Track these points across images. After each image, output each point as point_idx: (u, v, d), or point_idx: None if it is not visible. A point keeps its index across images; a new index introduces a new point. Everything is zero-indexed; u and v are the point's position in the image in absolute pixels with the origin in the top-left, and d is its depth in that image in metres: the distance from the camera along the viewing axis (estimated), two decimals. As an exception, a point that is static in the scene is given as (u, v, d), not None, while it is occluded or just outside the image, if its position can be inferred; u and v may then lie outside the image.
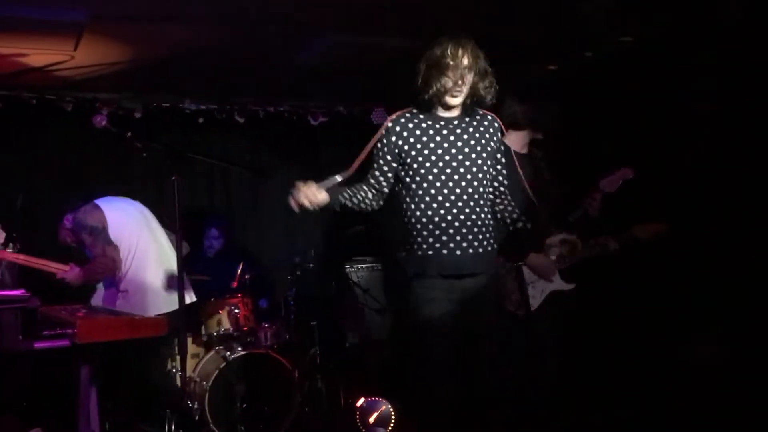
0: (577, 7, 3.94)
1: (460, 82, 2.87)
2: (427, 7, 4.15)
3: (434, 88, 2.89)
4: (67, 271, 4.08)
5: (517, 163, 3.73)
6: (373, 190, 3.09)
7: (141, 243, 4.14)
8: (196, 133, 6.08)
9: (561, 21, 4.27)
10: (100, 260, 3.99)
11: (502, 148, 3.18)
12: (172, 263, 4.18)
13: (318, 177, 7.14)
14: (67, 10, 3.98)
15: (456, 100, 2.94)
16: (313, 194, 3.03)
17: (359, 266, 5.93)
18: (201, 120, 6.06)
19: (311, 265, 5.53)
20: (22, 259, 4.04)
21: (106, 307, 4.05)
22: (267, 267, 5.73)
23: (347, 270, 5.84)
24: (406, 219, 3.01)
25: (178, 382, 4.24)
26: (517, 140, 3.86)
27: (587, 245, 3.78)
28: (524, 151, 3.88)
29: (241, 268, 5.30)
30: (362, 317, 5.79)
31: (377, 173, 3.06)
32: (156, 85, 5.64)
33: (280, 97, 6.20)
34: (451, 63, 2.85)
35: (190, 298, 4.34)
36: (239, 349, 4.69)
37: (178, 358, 4.26)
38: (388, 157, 3.01)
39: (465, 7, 4.18)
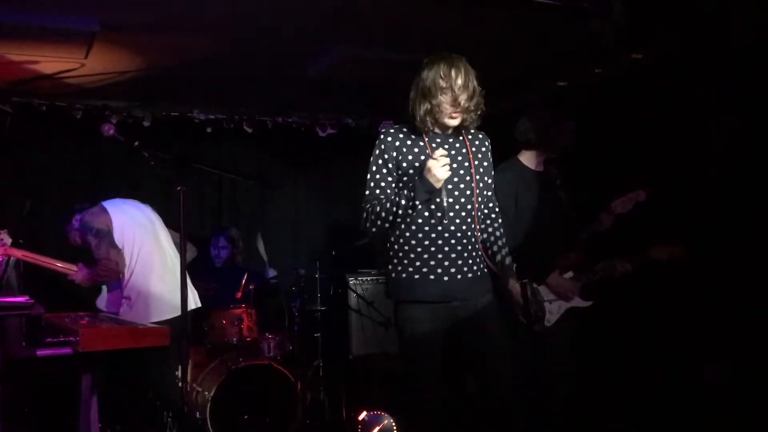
0: (587, 24, 3.93)
1: (455, 103, 2.83)
2: (438, 22, 4.16)
3: (428, 107, 2.83)
4: (76, 272, 4.12)
5: (533, 182, 3.74)
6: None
7: (145, 248, 4.13)
8: (205, 142, 6.10)
9: (571, 37, 4.27)
10: (104, 263, 3.99)
11: (492, 169, 3.15)
12: (176, 269, 4.19)
13: (326, 188, 7.20)
14: (79, 19, 4.00)
15: (453, 122, 2.89)
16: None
17: (364, 278, 5.92)
18: (209, 130, 6.08)
19: (316, 276, 5.52)
20: (30, 257, 4.07)
21: (109, 315, 4.04)
22: (272, 277, 5.71)
23: (352, 282, 5.82)
24: (393, 238, 2.95)
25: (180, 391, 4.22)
26: (531, 159, 3.88)
27: (598, 267, 3.77)
28: (539, 169, 3.89)
29: (245, 278, 5.29)
30: (366, 330, 5.77)
31: (391, 183, 2.93)
32: (165, 95, 5.66)
33: (289, 108, 6.22)
34: (444, 85, 2.82)
35: (195, 303, 4.32)
36: (242, 359, 4.68)
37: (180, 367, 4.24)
38: (390, 166, 2.94)
39: (475, 23, 4.18)
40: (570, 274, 3.78)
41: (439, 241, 2.87)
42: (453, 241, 2.89)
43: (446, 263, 2.88)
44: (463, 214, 2.91)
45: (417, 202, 2.81)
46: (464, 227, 2.91)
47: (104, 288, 4.38)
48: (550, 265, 3.75)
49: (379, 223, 2.89)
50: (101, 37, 4.23)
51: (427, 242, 2.87)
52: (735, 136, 4.22)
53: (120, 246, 4.05)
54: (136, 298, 4.06)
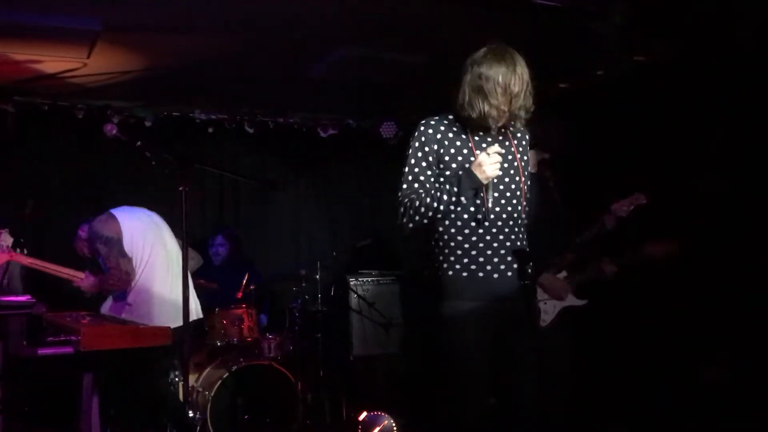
0: (590, 26, 3.94)
1: (506, 108, 2.71)
2: (439, 24, 4.16)
3: (479, 110, 2.71)
4: (83, 279, 4.04)
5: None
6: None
7: (152, 256, 4.08)
8: (206, 142, 6.10)
9: (573, 40, 4.27)
10: (114, 272, 3.95)
11: (529, 161, 3.05)
12: (180, 278, 4.15)
13: (327, 189, 7.20)
14: (82, 19, 4.01)
15: (498, 124, 2.76)
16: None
17: (365, 279, 5.92)
18: (211, 130, 6.09)
19: (317, 277, 5.53)
20: (38, 264, 4.01)
21: (111, 315, 4.05)
22: (273, 278, 5.72)
23: (353, 283, 5.83)
24: (437, 235, 2.79)
25: (181, 392, 4.22)
26: None
27: (589, 268, 3.78)
28: (533, 170, 3.88)
29: (246, 278, 5.30)
30: (367, 331, 5.77)
31: (430, 177, 2.80)
32: (167, 95, 5.67)
33: (290, 108, 6.22)
34: (505, 89, 2.69)
35: (197, 313, 4.25)
36: (242, 360, 4.68)
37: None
38: (430, 159, 2.81)
39: (477, 24, 4.18)
40: (563, 274, 3.79)
41: (487, 237, 2.74)
42: (501, 238, 2.75)
43: (496, 259, 2.75)
44: (510, 209, 2.79)
45: (462, 198, 2.71)
46: (511, 224, 2.78)
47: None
48: (544, 266, 3.75)
49: (417, 218, 2.74)
50: (103, 37, 4.24)
51: (474, 238, 2.74)
52: (735, 138, 4.22)
53: (129, 254, 4.02)
54: (139, 306, 4.00)
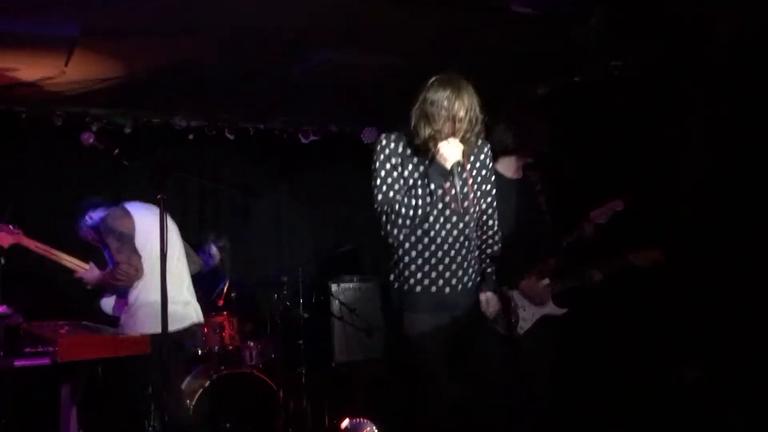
0: (567, 31, 3.97)
1: (449, 132, 2.86)
2: (419, 27, 4.18)
3: (430, 132, 2.86)
4: (87, 271, 3.98)
5: (510, 190, 3.75)
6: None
7: (159, 258, 4.02)
8: (186, 149, 6.07)
9: (551, 45, 4.30)
10: (123, 267, 3.83)
11: (492, 176, 3.18)
12: (183, 282, 4.11)
13: (308, 195, 7.17)
14: (60, 25, 3.98)
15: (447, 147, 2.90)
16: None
17: (347, 285, 5.91)
18: (191, 136, 6.05)
19: (299, 283, 5.51)
20: (42, 248, 3.94)
21: (90, 324, 4.00)
22: (254, 285, 5.70)
23: (334, 289, 5.82)
24: (394, 248, 3.00)
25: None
26: (508, 165, 3.88)
27: (570, 274, 3.79)
28: (518, 176, 3.89)
29: (227, 285, 5.27)
30: (349, 337, 5.77)
31: (403, 186, 2.94)
32: (146, 101, 5.63)
33: (271, 114, 6.21)
34: (447, 114, 2.84)
35: (197, 317, 4.15)
36: (223, 368, 4.65)
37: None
38: (398, 170, 2.95)
39: (456, 29, 4.21)
40: (546, 281, 3.79)
41: (439, 254, 2.97)
42: (452, 253, 2.99)
43: (447, 274, 2.99)
44: (461, 225, 3.00)
45: (435, 188, 2.88)
46: (462, 238, 3.01)
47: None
48: (528, 272, 3.76)
49: (400, 222, 2.91)
50: (81, 44, 4.21)
51: (427, 254, 2.97)
52: (713, 141, 4.27)
53: (140, 252, 3.94)
54: (138, 307, 3.91)
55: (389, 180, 2.94)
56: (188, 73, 4.90)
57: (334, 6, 3.85)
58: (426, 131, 2.86)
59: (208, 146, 6.18)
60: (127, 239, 3.89)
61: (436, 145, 2.87)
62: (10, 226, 3.90)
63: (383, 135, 3.00)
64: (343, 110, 6.16)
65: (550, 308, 3.78)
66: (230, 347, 4.85)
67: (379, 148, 2.98)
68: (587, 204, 3.82)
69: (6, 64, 4.51)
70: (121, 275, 3.83)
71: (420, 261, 2.97)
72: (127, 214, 3.98)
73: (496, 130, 3.86)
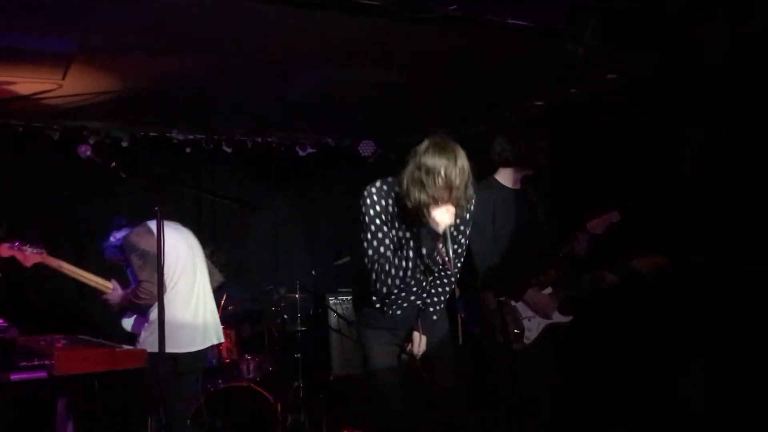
0: (562, 45, 3.99)
1: (446, 198, 2.84)
2: (415, 44, 4.20)
3: (422, 200, 2.83)
4: (111, 292, 3.98)
5: (509, 201, 3.78)
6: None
7: (182, 276, 4.00)
8: (184, 162, 6.08)
9: (547, 58, 4.33)
10: (146, 286, 3.81)
11: (470, 226, 3.20)
12: (206, 300, 4.09)
13: (305, 208, 7.18)
14: (57, 40, 4.00)
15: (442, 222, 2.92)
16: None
17: (344, 298, 5.91)
18: (188, 150, 6.07)
19: (296, 297, 5.50)
20: (67, 268, 3.92)
21: (86, 338, 3.98)
22: (251, 298, 5.68)
23: (332, 302, 5.81)
24: (362, 280, 3.10)
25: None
26: (507, 177, 3.91)
27: (584, 279, 3.80)
28: (516, 187, 3.92)
29: (224, 299, 5.26)
30: (347, 350, 5.75)
31: (393, 240, 3.01)
32: (144, 115, 5.65)
33: (268, 127, 6.23)
34: (441, 182, 2.81)
35: (218, 338, 4.10)
36: (221, 381, 4.64)
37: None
38: (387, 225, 2.98)
39: (452, 44, 4.23)
40: (549, 290, 3.80)
41: (400, 300, 3.16)
42: (412, 298, 3.18)
43: (404, 305, 3.19)
44: (429, 278, 3.14)
45: (425, 252, 2.98)
46: (426, 285, 3.16)
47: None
48: (528, 283, 3.77)
49: (389, 281, 2.99)
50: (78, 59, 4.22)
51: (392, 296, 3.12)
52: (707, 153, 4.28)
53: (165, 269, 3.91)
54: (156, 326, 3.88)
55: (379, 235, 2.95)
56: (185, 87, 4.91)
57: (331, 23, 3.87)
58: (420, 197, 2.82)
59: (206, 159, 6.20)
60: (150, 258, 3.83)
61: (428, 210, 2.85)
62: (31, 247, 3.90)
63: (370, 189, 2.98)
64: (340, 124, 6.18)
65: (556, 317, 3.79)
66: (228, 360, 4.83)
67: (368, 202, 2.95)
68: (584, 215, 3.83)
69: (3, 78, 4.52)
70: (143, 293, 3.82)
71: (385, 300, 3.14)
72: (150, 232, 3.93)
73: (496, 142, 3.90)
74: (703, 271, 4.18)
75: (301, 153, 6.45)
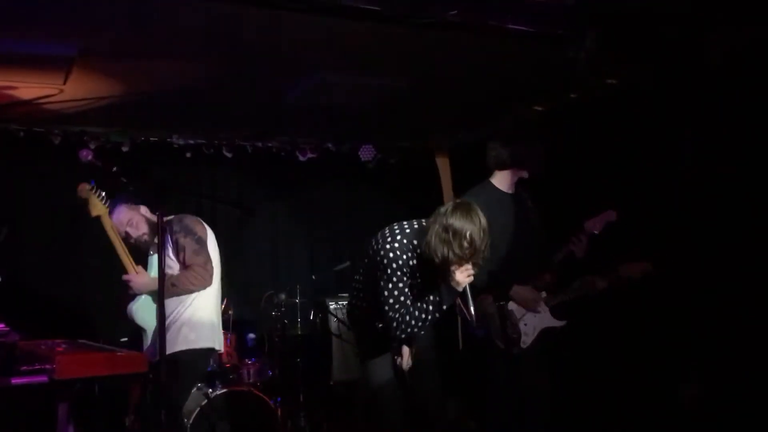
0: (562, 50, 4.00)
1: (468, 258, 3.02)
2: (415, 49, 4.21)
3: (450, 257, 3.00)
4: (137, 275, 3.79)
5: (504, 205, 3.78)
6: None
7: (218, 276, 3.98)
8: (184, 167, 6.09)
9: (546, 64, 4.34)
10: (200, 271, 3.73)
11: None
12: (216, 302, 4.06)
13: (306, 212, 7.18)
14: (58, 45, 4.00)
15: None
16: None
17: (344, 303, 5.89)
18: (189, 154, 6.07)
19: (297, 302, 5.51)
20: (111, 232, 3.77)
21: (87, 342, 3.98)
22: (251, 303, 5.69)
23: (333, 307, 5.81)
24: (373, 317, 3.27)
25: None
26: (503, 181, 3.91)
27: (575, 285, 3.80)
28: (511, 191, 3.92)
29: (224, 303, 5.25)
30: (347, 355, 5.75)
31: (408, 292, 3.17)
32: (144, 120, 5.66)
33: (269, 132, 6.24)
34: (466, 244, 2.98)
35: (219, 346, 4.03)
36: (221, 385, 4.63)
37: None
38: (407, 276, 3.16)
39: (453, 49, 4.24)
40: (543, 294, 3.80)
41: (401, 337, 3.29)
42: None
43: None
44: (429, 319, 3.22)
45: (444, 306, 3.14)
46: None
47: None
48: (523, 286, 3.77)
49: (408, 329, 3.15)
50: (79, 63, 4.23)
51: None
52: (706, 157, 4.29)
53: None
54: (184, 323, 3.82)
55: (400, 285, 3.13)
56: (186, 92, 4.92)
57: (332, 29, 3.88)
58: (448, 254, 2.99)
59: (206, 164, 6.20)
60: (204, 244, 3.83)
61: (452, 269, 3.04)
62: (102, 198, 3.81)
63: (393, 244, 3.14)
64: (340, 128, 6.19)
65: (550, 321, 3.79)
66: (228, 365, 4.83)
67: (391, 256, 3.12)
68: (580, 220, 3.84)
69: (4, 83, 4.53)
70: (196, 278, 3.73)
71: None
72: (202, 223, 3.94)
73: (491, 146, 3.90)
74: (700, 272, 4.19)
75: (301, 158, 6.45)
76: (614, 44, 4.02)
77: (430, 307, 3.11)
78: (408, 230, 3.19)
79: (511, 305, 3.76)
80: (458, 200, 3.14)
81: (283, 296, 5.48)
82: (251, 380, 4.89)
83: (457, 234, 2.97)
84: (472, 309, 3.12)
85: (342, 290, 6.07)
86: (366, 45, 4.17)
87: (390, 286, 3.12)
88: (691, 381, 4.28)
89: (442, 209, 3.06)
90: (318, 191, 6.72)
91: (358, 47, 4.21)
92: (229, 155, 6.14)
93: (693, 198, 4.34)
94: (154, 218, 3.92)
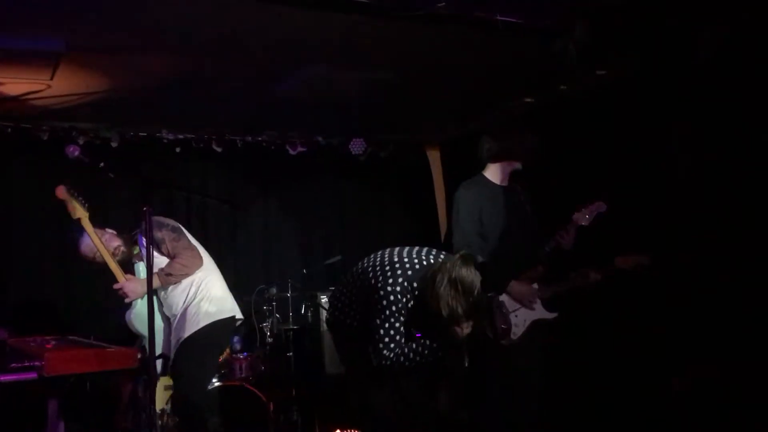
0: (552, 42, 4.00)
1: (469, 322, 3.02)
2: (404, 41, 4.20)
3: (451, 309, 2.96)
4: (128, 281, 3.86)
5: (497, 197, 3.78)
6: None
7: (204, 254, 4.09)
8: (174, 162, 6.06)
9: (536, 55, 4.34)
10: (186, 253, 3.82)
11: None
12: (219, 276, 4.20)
13: (296, 206, 7.16)
14: (45, 40, 3.97)
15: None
16: None
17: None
18: (178, 149, 6.04)
19: (288, 296, 5.50)
20: (97, 242, 3.81)
21: (77, 338, 3.97)
22: (243, 297, 5.68)
23: (324, 300, 5.80)
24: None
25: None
26: (495, 173, 3.92)
27: (568, 277, 3.81)
28: (504, 183, 3.93)
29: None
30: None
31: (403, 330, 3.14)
32: (133, 115, 5.62)
33: (259, 126, 6.21)
34: (474, 298, 2.97)
35: (239, 313, 4.19)
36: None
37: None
38: (403, 316, 3.12)
39: (443, 41, 4.23)
40: (535, 286, 3.81)
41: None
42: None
43: None
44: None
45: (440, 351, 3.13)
46: None
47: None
48: (515, 278, 3.78)
49: (399, 366, 3.12)
50: (67, 59, 4.20)
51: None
52: (695, 149, 4.31)
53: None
54: (202, 299, 3.94)
55: (396, 325, 3.09)
56: (174, 86, 4.89)
57: (320, 21, 3.86)
58: (457, 308, 2.95)
59: (196, 159, 6.18)
60: (181, 231, 3.93)
61: (456, 323, 3.01)
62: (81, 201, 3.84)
63: (395, 287, 3.07)
64: (330, 122, 6.17)
65: (541, 312, 3.80)
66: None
67: (391, 299, 3.06)
68: (571, 211, 3.84)
69: (-10, 79, 4.50)
70: (188, 260, 3.81)
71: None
72: (168, 219, 4.06)
73: (484, 139, 3.91)
74: (693, 266, 4.20)
75: (291, 152, 6.43)
76: (604, 36, 4.02)
77: (426, 351, 3.09)
78: (410, 271, 3.11)
79: (503, 296, 3.76)
80: (463, 252, 3.10)
81: (274, 290, 5.48)
82: (243, 374, 4.88)
83: (467, 288, 2.94)
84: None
85: (333, 284, 6.06)
86: (355, 38, 4.16)
87: (387, 325, 3.08)
88: (684, 374, 4.29)
89: (448, 263, 3.02)
90: (309, 185, 6.71)
91: (348, 40, 4.19)
92: (218, 150, 6.12)
93: (683, 189, 4.35)
94: (117, 233, 4.07)
